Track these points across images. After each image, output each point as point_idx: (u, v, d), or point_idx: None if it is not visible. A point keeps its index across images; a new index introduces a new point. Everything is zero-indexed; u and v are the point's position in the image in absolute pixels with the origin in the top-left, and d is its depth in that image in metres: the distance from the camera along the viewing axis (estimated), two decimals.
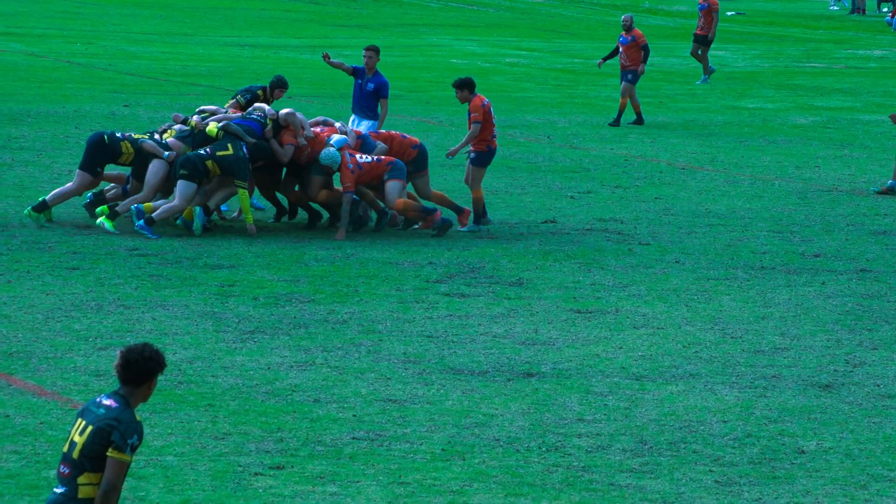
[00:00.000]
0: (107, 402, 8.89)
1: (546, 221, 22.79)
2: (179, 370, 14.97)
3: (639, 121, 32.25)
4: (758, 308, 18.41)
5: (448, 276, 19.29)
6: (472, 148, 22.23)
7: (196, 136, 21.21)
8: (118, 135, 21.34)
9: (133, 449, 8.78)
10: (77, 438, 8.81)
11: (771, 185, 26.57)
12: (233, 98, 22.72)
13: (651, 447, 13.57)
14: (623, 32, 32.53)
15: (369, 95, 23.66)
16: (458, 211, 22.05)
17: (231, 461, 12.74)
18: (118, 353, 8.92)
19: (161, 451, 12.82)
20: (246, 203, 21.00)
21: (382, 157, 21.59)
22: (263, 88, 22.71)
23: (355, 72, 23.87)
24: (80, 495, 8.77)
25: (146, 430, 12.98)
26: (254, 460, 12.79)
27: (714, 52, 47.08)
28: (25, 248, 19.54)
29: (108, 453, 8.74)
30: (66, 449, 8.85)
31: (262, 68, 38.92)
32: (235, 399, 14.30)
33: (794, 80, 42.30)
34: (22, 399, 13.95)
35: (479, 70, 40.87)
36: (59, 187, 21.47)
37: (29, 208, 20.84)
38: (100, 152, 21.01)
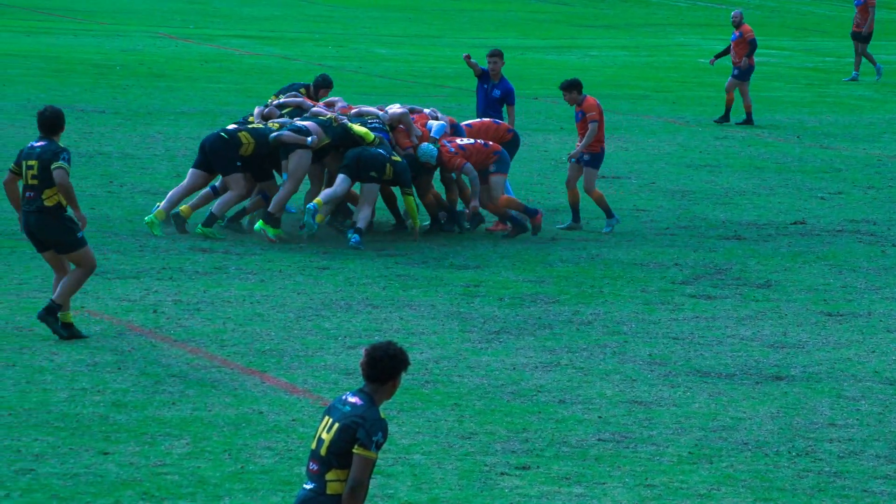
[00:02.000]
0: (352, 399, 8.98)
1: (795, 223, 22.51)
2: (426, 369, 15.08)
3: (748, 121, 31.28)
4: None
5: (694, 278, 19.16)
6: (583, 150, 21.64)
7: (335, 130, 20.48)
8: (231, 127, 20.76)
9: (378, 446, 8.86)
10: (325, 436, 8.92)
11: None
12: (274, 96, 21.89)
13: None
14: (735, 30, 31.82)
15: (495, 102, 23.02)
16: (531, 213, 21.22)
17: (477, 460, 12.79)
18: (364, 350, 9.01)
19: (409, 450, 12.93)
20: (413, 209, 20.48)
21: (490, 142, 21.22)
22: (307, 86, 22.01)
23: (482, 75, 23.15)
24: (328, 491, 8.88)
25: (394, 428, 13.14)
26: (500, 460, 12.83)
27: None
28: (277, 248, 19.84)
29: (353, 450, 8.83)
30: (314, 446, 8.97)
31: (508, 69, 39.03)
32: (481, 399, 14.36)
33: None
34: (275, 396, 14.17)
35: (727, 69, 40.55)
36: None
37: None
38: (227, 150, 20.27)
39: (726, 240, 21.33)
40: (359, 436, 8.82)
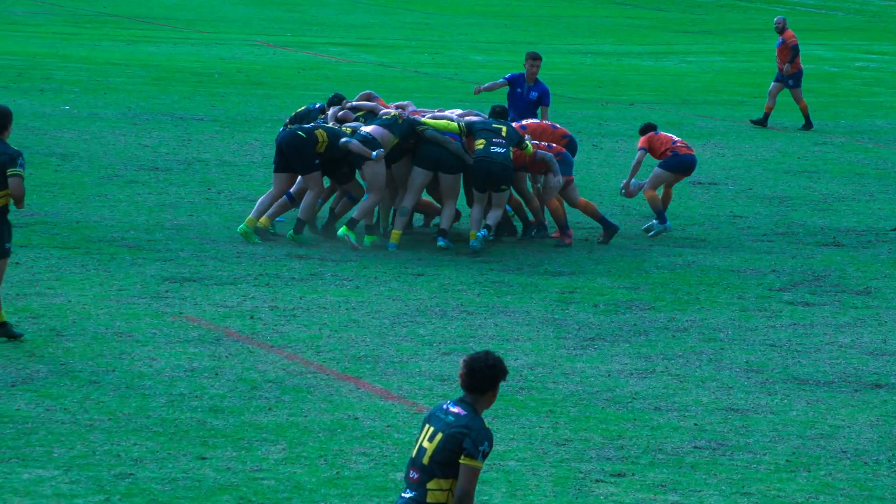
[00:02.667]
0: (454, 409, 9.05)
1: (895, 229, 22.34)
2: (521, 376, 15.08)
3: (807, 125, 30.77)
4: None
5: (792, 285, 19.05)
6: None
7: (401, 127, 20.34)
8: (308, 126, 20.55)
9: (484, 455, 8.91)
10: (426, 444, 8.97)
11: None
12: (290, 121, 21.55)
13: None
14: (779, 36, 31.42)
15: (531, 104, 22.88)
16: (606, 225, 20.94)
17: (572, 467, 12.78)
18: (461, 361, 9.05)
19: (503, 457, 12.94)
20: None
21: (553, 144, 20.95)
22: (322, 108, 21.54)
23: (512, 81, 23.03)
24: (428, 500, 8.94)
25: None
26: (595, 467, 12.81)
27: None
28: (372, 255, 19.89)
29: (460, 460, 8.88)
30: (414, 454, 9.02)
31: (604, 75, 39.01)
32: (576, 405, 14.34)
33: None
34: (370, 402, 14.21)
35: (826, 75, 40.29)
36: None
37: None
38: (305, 147, 20.12)
39: (825, 246, 21.20)
40: (465, 445, 8.88)
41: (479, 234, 20.09)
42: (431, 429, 9.01)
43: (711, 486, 12.48)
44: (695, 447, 13.36)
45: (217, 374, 14.78)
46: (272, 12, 50.63)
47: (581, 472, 12.67)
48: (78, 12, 47.99)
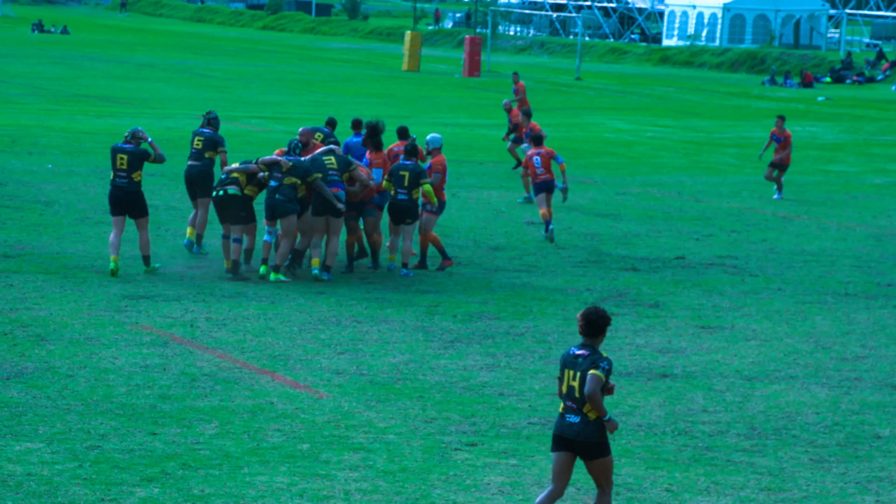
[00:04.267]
0: (580, 352, 10.06)
1: (677, 258, 22.56)
2: (398, 370, 15.03)
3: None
4: (843, 325, 18.05)
5: (601, 299, 19.16)
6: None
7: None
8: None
9: (605, 370, 9.96)
10: (573, 384, 10.00)
11: (853, 230, 26.04)
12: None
13: (760, 432, 13.34)
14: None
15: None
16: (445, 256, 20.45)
17: (437, 439, 12.76)
18: (579, 316, 10.13)
19: (384, 431, 12.88)
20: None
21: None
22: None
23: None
24: (590, 418, 10.02)
25: (375, 414, 13.09)
26: (454, 439, 12.80)
27: (808, 128, 46.31)
28: (275, 283, 19.70)
29: (589, 372, 9.92)
30: (565, 391, 10.05)
31: (460, 141, 39.01)
32: (440, 392, 14.33)
33: (871, 150, 41.44)
34: (283, 391, 14.11)
35: (625, 142, 40.66)
36: None
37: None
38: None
39: (625, 271, 21.36)
40: (595, 365, 9.94)
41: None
42: (571, 372, 10.00)
43: (541, 453, 12.51)
44: (529, 423, 13.39)
45: (165, 370, 14.61)
46: (207, 93, 50.20)
47: (444, 443, 12.65)
48: (58, 93, 47.37)
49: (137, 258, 20.30)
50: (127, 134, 19.20)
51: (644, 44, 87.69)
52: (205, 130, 20.82)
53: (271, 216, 19.20)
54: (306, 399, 13.82)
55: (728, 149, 39.87)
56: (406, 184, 19.94)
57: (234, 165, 19.64)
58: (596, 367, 9.94)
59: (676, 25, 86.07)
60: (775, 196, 29.68)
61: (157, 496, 10.89)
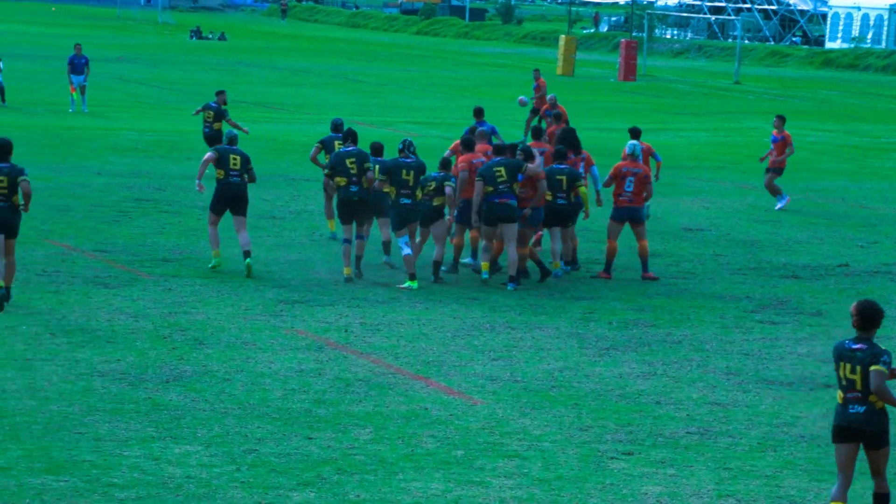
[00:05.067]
0: (856, 346, 10.29)
1: (840, 265, 22.17)
2: (552, 377, 15.01)
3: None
4: None
5: (761, 308, 18.92)
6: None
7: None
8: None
9: (886, 363, 10.17)
10: (852, 376, 10.25)
11: None
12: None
13: None
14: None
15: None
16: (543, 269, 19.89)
17: (592, 447, 12.71)
18: (853, 309, 10.34)
19: (539, 439, 12.88)
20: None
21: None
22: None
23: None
24: (876, 407, 10.26)
25: (530, 421, 13.10)
26: (609, 447, 12.74)
27: None
28: (437, 285, 19.79)
29: (870, 368, 10.15)
30: (845, 383, 10.30)
31: (617, 146, 38.84)
32: (595, 400, 14.27)
33: None
34: (437, 396, 14.18)
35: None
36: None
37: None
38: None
39: (786, 278, 21.05)
40: (875, 360, 10.14)
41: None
42: (849, 365, 10.24)
43: (700, 463, 12.39)
44: (687, 432, 13.27)
45: (320, 374, 14.79)
46: (361, 98, 50.71)
47: (599, 451, 12.60)
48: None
49: (292, 263, 20.60)
50: (228, 135, 20.12)
51: (806, 46, 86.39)
52: (351, 150, 19.86)
53: (411, 224, 19.33)
54: (460, 405, 13.86)
55: (894, 154, 39.06)
56: (564, 187, 20.05)
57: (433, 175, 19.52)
58: (877, 363, 10.16)
59: (840, 27, 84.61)
60: (777, 205, 27.22)
61: (314, 500, 11.03)
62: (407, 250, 19.12)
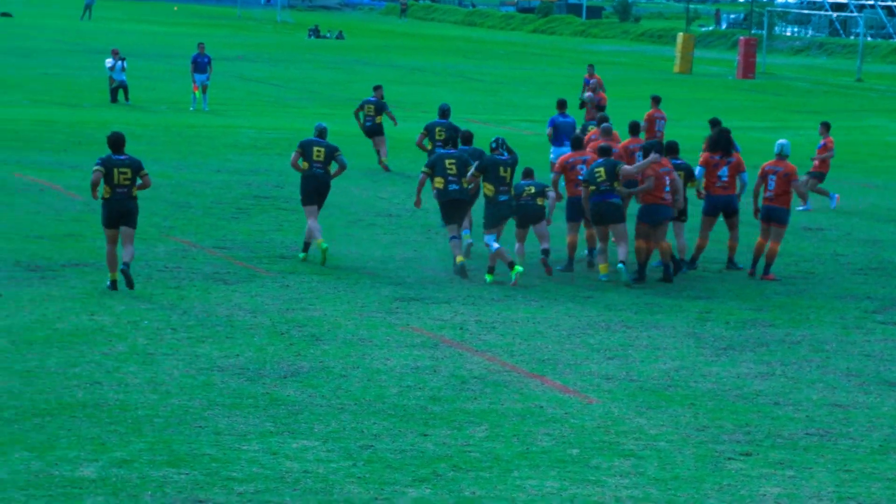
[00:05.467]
0: None
1: None
2: (668, 376, 14.91)
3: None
4: None
5: (883, 308, 18.63)
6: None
7: None
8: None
9: None
10: None
11: None
12: None
13: None
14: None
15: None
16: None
17: (709, 448, 12.61)
18: None
19: (655, 438, 12.80)
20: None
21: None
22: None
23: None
24: None
25: (646, 420, 12.99)
26: (727, 447, 12.63)
27: None
28: (552, 282, 19.79)
29: None
30: None
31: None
32: (712, 400, 14.16)
33: None
34: (552, 395, 14.16)
35: None
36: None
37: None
38: None
39: None
40: None
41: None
42: None
43: (820, 465, 12.24)
44: (806, 434, 13.11)
45: (435, 371, 14.84)
46: (476, 97, 50.77)
47: (716, 451, 12.50)
48: (333, 98, 48.59)
49: (408, 260, 20.70)
50: (317, 128, 20.85)
51: None
52: (452, 152, 19.92)
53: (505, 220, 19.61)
54: (575, 404, 13.83)
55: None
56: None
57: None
58: None
59: None
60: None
61: (429, 497, 11.08)
62: (495, 245, 19.27)
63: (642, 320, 17.56)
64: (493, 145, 19.68)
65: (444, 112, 25.12)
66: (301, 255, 20.37)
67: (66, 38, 70.90)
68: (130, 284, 17.44)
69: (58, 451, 11.58)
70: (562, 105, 24.44)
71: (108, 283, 17.68)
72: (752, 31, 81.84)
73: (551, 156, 27.11)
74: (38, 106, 40.25)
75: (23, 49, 61.24)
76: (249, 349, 15.33)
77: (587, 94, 33.17)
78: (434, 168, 19.85)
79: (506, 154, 19.49)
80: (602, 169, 19.53)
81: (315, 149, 20.34)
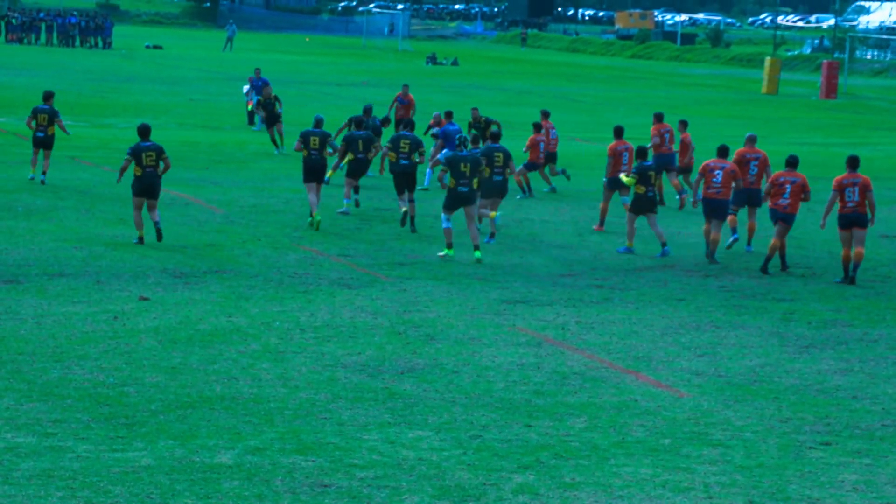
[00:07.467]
0: None
1: None
2: (754, 372, 14.73)
3: None
4: None
5: None
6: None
7: None
8: None
9: None
10: None
11: None
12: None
13: None
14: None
15: None
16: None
17: (792, 438, 12.44)
18: None
19: (741, 429, 12.66)
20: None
21: None
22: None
23: None
24: None
25: (733, 413, 12.83)
26: (808, 438, 12.45)
27: None
28: (646, 286, 19.64)
29: None
30: None
31: (815, 159, 37.88)
32: (794, 394, 13.96)
33: None
34: (646, 389, 14.07)
35: None
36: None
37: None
38: None
39: None
40: None
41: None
42: None
43: (895, 454, 12.00)
44: (883, 425, 12.88)
45: (539, 368, 14.81)
46: (578, 116, 50.61)
47: (798, 441, 12.33)
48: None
49: (515, 266, 20.66)
50: (316, 118, 23.43)
51: None
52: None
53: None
54: (668, 397, 13.72)
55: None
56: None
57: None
58: None
59: None
60: None
61: (533, 482, 11.06)
62: (448, 225, 20.85)
63: (730, 321, 17.37)
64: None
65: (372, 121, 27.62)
66: (308, 219, 22.78)
67: (209, 67, 71.96)
68: (160, 237, 20.53)
69: (198, 440, 11.75)
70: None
71: (136, 239, 20.44)
72: (835, 55, 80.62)
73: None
74: (183, 129, 40.87)
75: (171, 77, 62.27)
76: (370, 348, 15.42)
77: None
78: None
79: (465, 151, 21.00)
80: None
81: (312, 138, 22.80)
